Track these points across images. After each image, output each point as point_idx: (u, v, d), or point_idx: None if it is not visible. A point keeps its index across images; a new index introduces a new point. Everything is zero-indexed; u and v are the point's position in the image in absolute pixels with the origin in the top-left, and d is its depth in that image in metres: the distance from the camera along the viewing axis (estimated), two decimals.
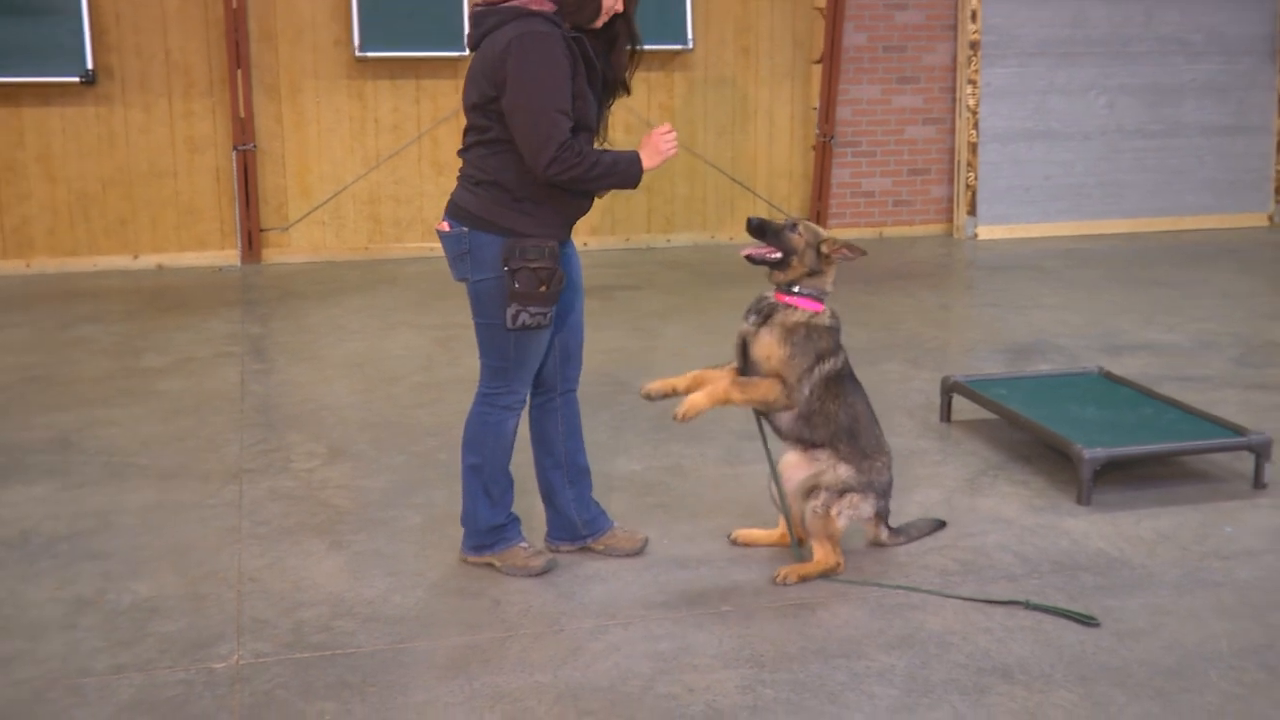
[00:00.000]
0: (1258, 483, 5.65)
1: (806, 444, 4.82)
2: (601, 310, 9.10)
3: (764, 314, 4.77)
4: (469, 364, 7.41)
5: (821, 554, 4.78)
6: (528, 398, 4.80)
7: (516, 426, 4.78)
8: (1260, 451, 5.63)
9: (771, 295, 4.80)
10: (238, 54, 10.49)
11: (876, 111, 11.96)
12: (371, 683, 4.07)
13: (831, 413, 4.78)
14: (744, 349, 4.81)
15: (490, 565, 4.84)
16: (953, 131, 12.09)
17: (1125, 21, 12.14)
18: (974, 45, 11.83)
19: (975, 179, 11.99)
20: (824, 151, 11.80)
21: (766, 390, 4.71)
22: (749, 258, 4.80)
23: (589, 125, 4.55)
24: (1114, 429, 5.84)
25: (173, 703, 3.96)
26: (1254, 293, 9.70)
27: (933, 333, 8.53)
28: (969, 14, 11.76)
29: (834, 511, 4.74)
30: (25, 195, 10.49)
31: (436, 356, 7.87)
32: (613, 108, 4.82)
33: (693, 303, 9.43)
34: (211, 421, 6.69)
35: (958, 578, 4.79)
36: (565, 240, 4.68)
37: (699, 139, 11.63)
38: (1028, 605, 4.54)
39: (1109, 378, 6.67)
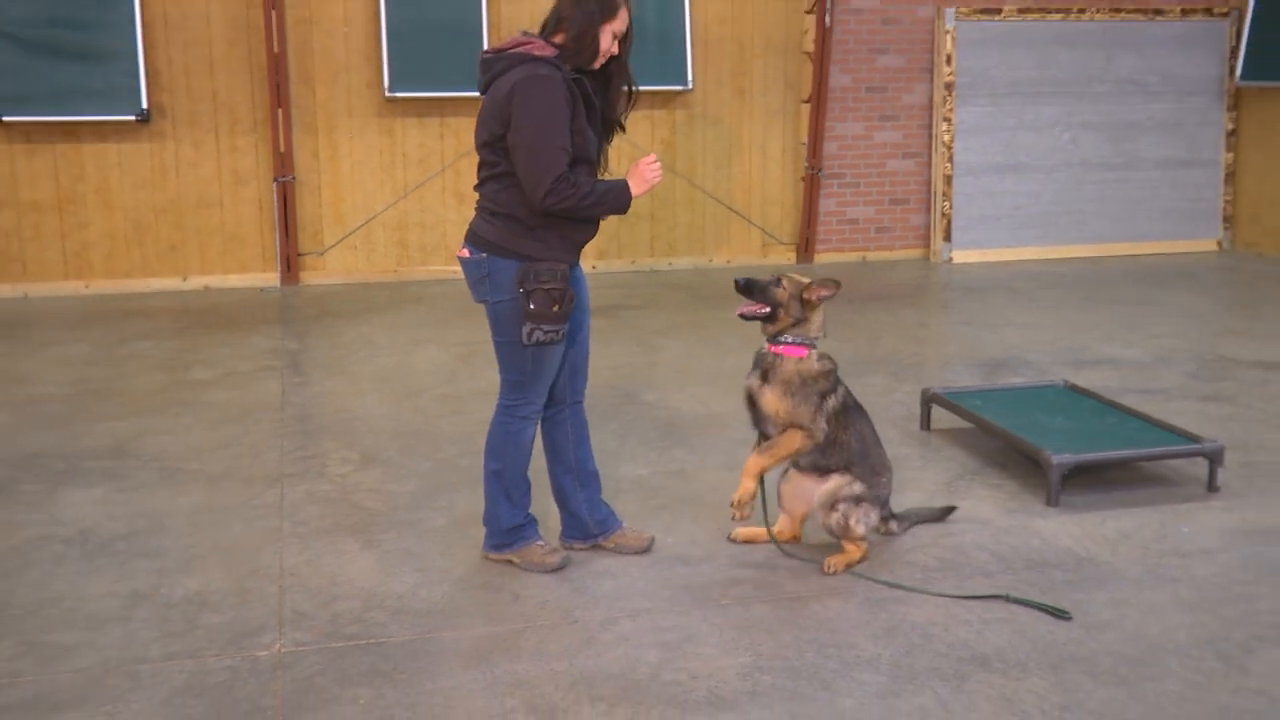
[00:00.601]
0: (1211, 486, 5.63)
1: (823, 470, 4.86)
2: (609, 328, 9.09)
3: (763, 370, 4.82)
4: (489, 377, 7.40)
5: (853, 548, 4.87)
6: (542, 408, 4.79)
7: (534, 435, 4.78)
8: (1214, 458, 5.62)
9: (766, 347, 4.84)
10: (279, 95, 10.50)
11: (860, 146, 11.96)
12: (402, 670, 4.06)
13: (844, 441, 4.84)
14: (751, 400, 4.87)
15: (510, 562, 4.83)
16: (929, 165, 12.08)
17: (1087, 64, 12.14)
18: (949, 86, 11.83)
19: (950, 208, 11.99)
20: (812, 183, 11.80)
21: (790, 443, 4.78)
22: (742, 315, 4.86)
23: (589, 159, 4.57)
24: (1080, 437, 5.83)
25: (221, 688, 3.95)
26: (1205, 312, 9.68)
27: (912, 349, 8.51)
28: (944, 58, 11.77)
29: (853, 521, 4.82)
30: (85, 223, 10.50)
31: (459, 371, 7.86)
32: (614, 142, 4.83)
33: (692, 321, 9.42)
34: (254, 430, 6.68)
35: (938, 574, 4.78)
36: (575, 263, 4.68)
37: (698, 171, 11.64)
38: (1008, 599, 4.53)
39: (1074, 390, 6.66)
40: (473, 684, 3.97)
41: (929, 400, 6.59)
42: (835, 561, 4.82)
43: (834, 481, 4.84)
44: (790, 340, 4.77)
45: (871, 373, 7.78)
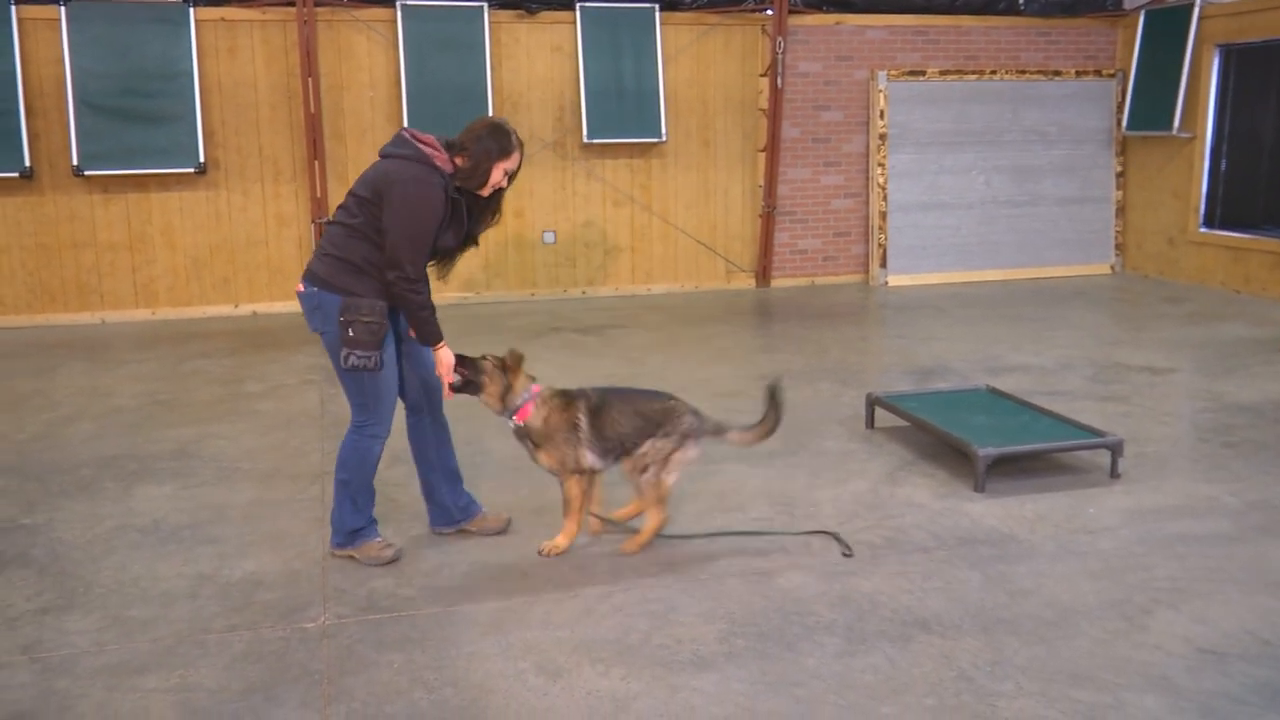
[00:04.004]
0: (1113, 473, 5.63)
1: (627, 455, 4.71)
2: (598, 345, 9.06)
3: (528, 441, 4.66)
4: None
5: (654, 517, 4.73)
6: (391, 427, 4.67)
7: (381, 452, 4.66)
8: (1115, 449, 5.61)
9: (512, 423, 4.67)
10: (315, 149, 10.45)
11: (808, 188, 11.95)
12: (429, 638, 4.02)
13: (615, 435, 4.67)
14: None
15: (351, 557, 4.71)
16: (867, 203, 12.09)
17: (997, 118, 12.17)
18: (882, 137, 11.84)
19: (885, 239, 11.99)
20: (768, 219, 11.79)
21: (573, 491, 4.67)
22: (452, 387, 4.64)
23: (435, 254, 4.54)
24: (1000, 433, 5.82)
25: (275, 654, 3.91)
26: (1100, 325, 9.70)
27: (855, 358, 8.50)
28: (878, 113, 11.78)
29: (663, 474, 4.66)
30: (151, 260, 10.42)
31: None
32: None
33: (670, 338, 9.39)
34: (298, 434, 6.63)
35: (884, 550, 4.76)
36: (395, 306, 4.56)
37: (671, 210, 11.61)
38: (837, 538, 4.73)
39: (994, 392, 6.66)
40: (490, 649, 3.94)
41: (872, 403, 6.57)
42: (631, 544, 4.73)
43: (641, 449, 4.65)
44: (517, 404, 4.62)
45: (821, 379, 7.76)
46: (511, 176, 4.56)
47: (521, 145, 4.54)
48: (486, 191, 4.53)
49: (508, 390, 4.63)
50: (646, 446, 4.66)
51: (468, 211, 4.58)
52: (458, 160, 4.45)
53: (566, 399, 4.68)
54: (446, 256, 4.65)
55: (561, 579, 4.51)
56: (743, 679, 3.71)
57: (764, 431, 4.84)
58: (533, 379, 4.72)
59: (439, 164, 4.39)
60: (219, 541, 4.97)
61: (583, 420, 4.63)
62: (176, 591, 4.44)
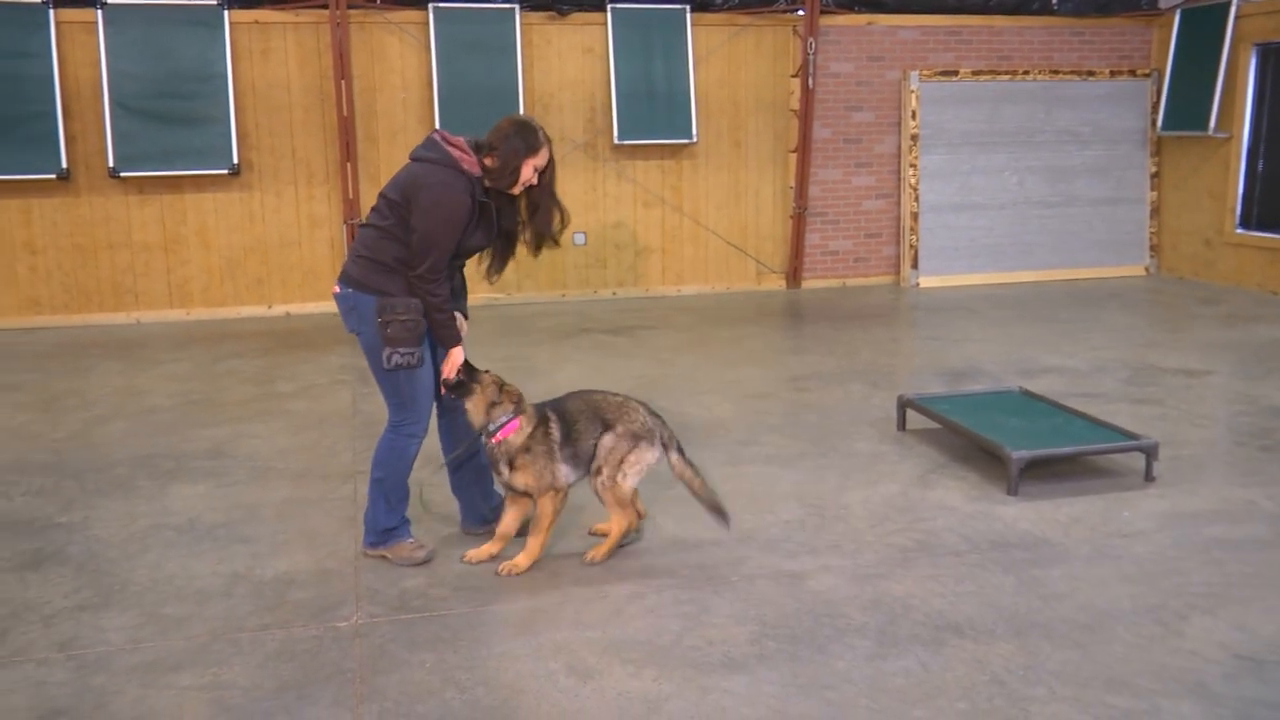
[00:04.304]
0: (1148, 477, 5.58)
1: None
2: (628, 345, 9.07)
3: (504, 460, 4.57)
4: (530, 388, 7.35)
5: (615, 521, 4.65)
6: (429, 426, 4.68)
7: (417, 451, 4.68)
8: (1150, 452, 5.57)
9: (490, 443, 4.59)
10: (348, 151, 10.50)
11: (839, 189, 11.92)
12: (461, 638, 4.03)
13: (580, 435, 4.60)
14: (510, 487, 4.66)
15: (384, 557, 4.73)
16: (899, 204, 12.04)
17: (1030, 118, 12.10)
18: (914, 137, 11.79)
19: (917, 240, 11.94)
20: (799, 220, 11.76)
21: (547, 509, 4.57)
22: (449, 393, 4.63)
23: (464, 254, 4.58)
24: (1034, 435, 5.78)
25: (308, 653, 3.93)
26: (1135, 327, 9.62)
27: (886, 360, 8.47)
28: (910, 113, 11.73)
29: (618, 477, 4.58)
30: (186, 260, 10.51)
31: None
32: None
33: (700, 339, 9.38)
34: (330, 434, 6.66)
35: (915, 554, 4.73)
36: None
37: (702, 211, 11.60)
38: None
39: (1028, 395, 6.61)
40: (521, 649, 3.94)
41: (904, 405, 6.54)
42: (594, 553, 4.67)
43: (597, 454, 4.60)
44: (501, 422, 4.55)
45: (852, 381, 7.73)
46: (544, 173, 4.56)
47: (549, 141, 4.55)
48: (517, 190, 4.55)
49: (494, 406, 4.56)
50: (600, 450, 4.59)
51: (499, 212, 4.59)
52: (487, 161, 4.47)
53: (537, 414, 4.61)
54: (498, 256, 4.71)
55: (592, 580, 4.51)
56: (774, 681, 3.70)
57: (699, 487, 4.70)
58: (521, 412, 4.60)
59: (466, 167, 4.42)
60: (252, 540, 5.00)
61: (555, 431, 4.57)
62: (211, 590, 4.47)
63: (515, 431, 4.55)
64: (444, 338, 4.54)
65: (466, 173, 4.42)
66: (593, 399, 4.71)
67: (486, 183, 4.49)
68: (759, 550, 4.79)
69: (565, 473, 4.60)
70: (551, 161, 4.58)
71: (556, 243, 4.75)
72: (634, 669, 3.79)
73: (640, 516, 4.88)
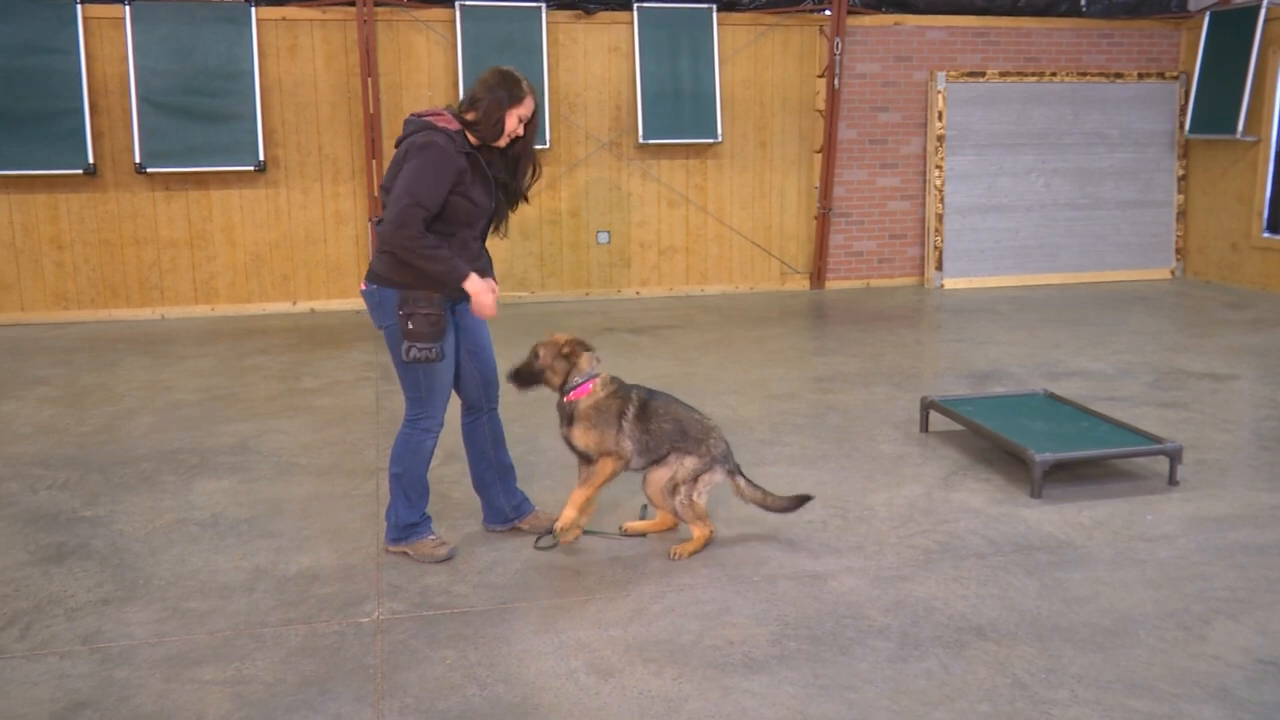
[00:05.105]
0: (1172, 481, 5.55)
1: (657, 460, 4.73)
2: (652, 345, 9.07)
3: (567, 416, 4.69)
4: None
5: (698, 531, 4.75)
6: (444, 421, 4.69)
7: (434, 446, 4.69)
8: (1174, 456, 5.54)
9: (562, 399, 4.69)
10: (373, 148, 10.55)
11: (864, 190, 11.89)
12: (482, 635, 4.04)
13: (656, 432, 4.69)
14: (569, 444, 4.74)
15: (405, 554, 4.75)
16: (923, 205, 12.00)
17: (1058, 119, 12.05)
18: (940, 139, 11.75)
19: (942, 242, 11.90)
20: (824, 221, 11.74)
21: (605, 469, 4.65)
22: (520, 387, 4.73)
23: (469, 221, 4.48)
24: (1058, 438, 5.76)
25: (330, 649, 3.95)
26: (1161, 331, 9.56)
27: (910, 362, 8.45)
28: (936, 114, 11.70)
29: (695, 496, 4.70)
30: (212, 256, 10.58)
31: None
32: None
33: (723, 339, 9.38)
34: (355, 430, 6.69)
35: (938, 555, 4.72)
36: (457, 299, 4.58)
37: (726, 211, 11.60)
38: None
39: (1052, 397, 6.58)
40: (542, 647, 3.95)
41: (927, 406, 6.53)
42: (680, 549, 4.72)
43: (668, 468, 4.70)
44: (573, 384, 4.64)
45: (876, 383, 7.72)
46: (529, 124, 4.53)
47: (533, 91, 4.50)
48: (503, 142, 4.50)
49: (566, 369, 4.65)
50: (675, 463, 4.70)
51: (493, 165, 4.55)
52: (469, 115, 4.43)
53: (620, 388, 4.73)
54: (491, 218, 4.64)
55: (614, 578, 4.52)
56: (795, 682, 3.69)
57: (771, 502, 4.86)
58: (595, 375, 4.71)
59: (442, 125, 4.39)
60: (276, 536, 5.03)
61: (630, 410, 4.67)
62: (234, 584, 4.50)
63: (586, 395, 4.65)
64: (450, 279, 4.40)
65: (443, 129, 4.38)
66: (683, 411, 4.80)
67: (472, 139, 4.45)
68: (781, 550, 4.79)
69: (628, 446, 4.66)
70: (536, 112, 4.55)
71: (527, 200, 4.75)
72: (655, 668, 3.79)
73: (675, 524, 4.94)
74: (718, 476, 4.77)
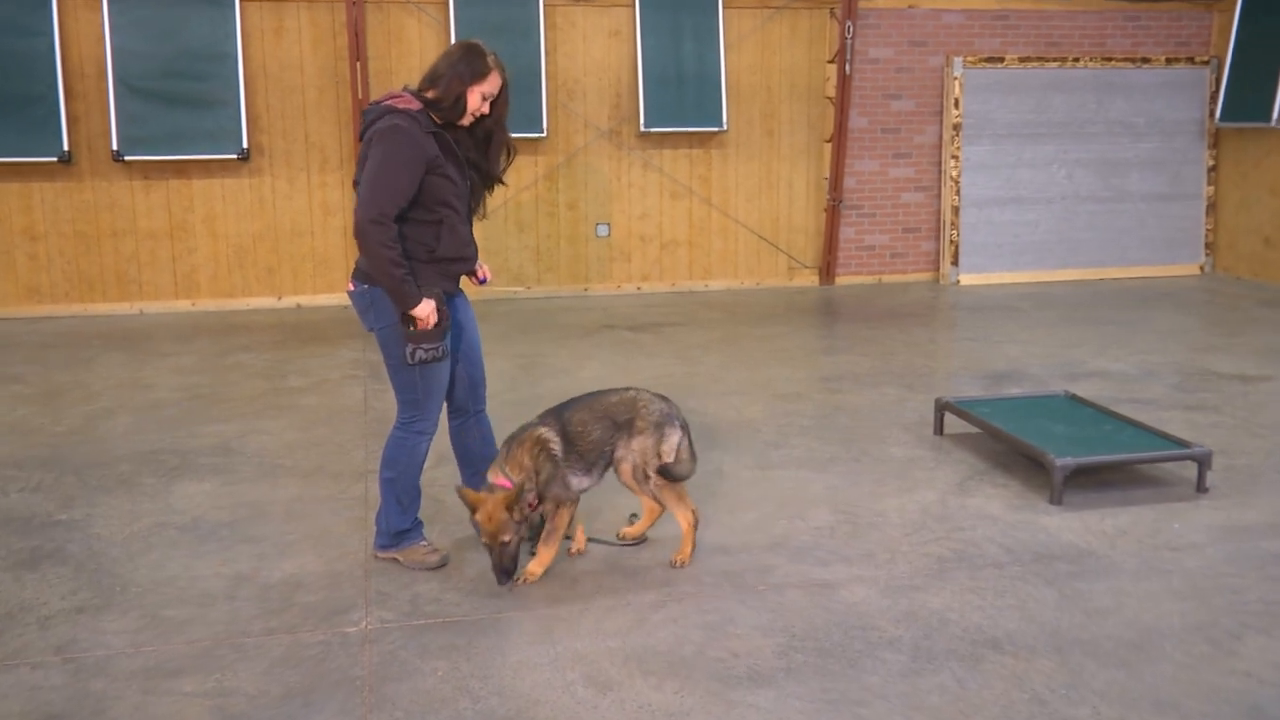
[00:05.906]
0: (1200, 487, 5.55)
1: (609, 464, 4.64)
2: (653, 343, 9.08)
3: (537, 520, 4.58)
4: (550, 385, 7.42)
5: (682, 517, 4.67)
6: (438, 423, 4.68)
7: (428, 449, 4.67)
8: (1202, 461, 5.53)
9: (527, 515, 4.45)
10: (362, 136, 10.53)
11: (876, 181, 11.90)
12: (475, 645, 4.04)
13: (589, 447, 4.55)
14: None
15: (395, 560, 4.74)
16: (939, 197, 12.01)
17: (1080, 107, 12.05)
18: (956, 127, 11.75)
19: (957, 236, 11.90)
20: (834, 213, 11.74)
21: (562, 518, 4.56)
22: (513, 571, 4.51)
23: (449, 203, 4.43)
24: (1080, 442, 5.75)
25: (315, 659, 3.95)
26: (1188, 330, 9.57)
27: (923, 361, 8.44)
28: (952, 102, 11.70)
29: (657, 455, 4.57)
30: (193, 249, 10.58)
31: (520, 379, 7.85)
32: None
33: (728, 337, 9.38)
34: (342, 431, 6.69)
35: (952, 564, 4.72)
36: (453, 293, 4.60)
37: (731, 203, 11.60)
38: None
39: (1074, 399, 6.58)
40: (538, 658, 3.95)
41: (942, 408, 6.52)
42: (681, 555, 4.69)
43: (626, 461, 4.57)
44: (527, 499, 4.41)
45: (887, 383, 7.72)
46: (495, 102, 4.48)
47: (501, 67, 4.44)
48: (467, 121, 4.45)
49: (517, 508, 4.39)
50: (623, 450, 4.60)
51: (463, 145, 4.50)
52: (430, 94, 4.39)
53: (533, 442, 4.50)
54: (470, 200, 4.60)
55: (613, 587, 4.52)
56: (802, 696, 3.69)
57: (675, 491, 4.69)
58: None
59: (402, 106, 4.35)
60: (259, 541, 5.03)
61: (556, 446, 4.51)
62: (215, 592, 4.50)
63: (512, 489, 4.38)
64: (399, 299, 4.34)
65: (404, 110, 4.33)
66: (597, 405, 4.66)
67: (436, 118, 4.41)
68: (788, 558, 4.79)
69: (576, 480, 4.58)
70: (505, 90, 4.49)
71: (503, 183, 4.73)
72: (655, 681, 3.79)
73: (663, 510, 4.83)
74: (674, 435, 4.60)
